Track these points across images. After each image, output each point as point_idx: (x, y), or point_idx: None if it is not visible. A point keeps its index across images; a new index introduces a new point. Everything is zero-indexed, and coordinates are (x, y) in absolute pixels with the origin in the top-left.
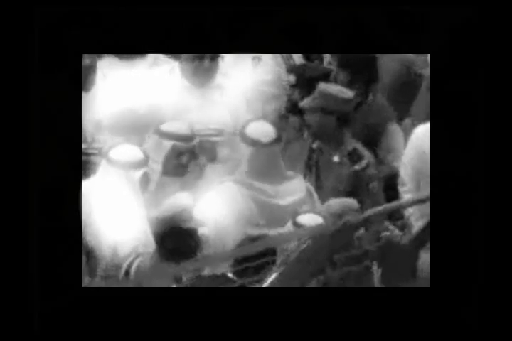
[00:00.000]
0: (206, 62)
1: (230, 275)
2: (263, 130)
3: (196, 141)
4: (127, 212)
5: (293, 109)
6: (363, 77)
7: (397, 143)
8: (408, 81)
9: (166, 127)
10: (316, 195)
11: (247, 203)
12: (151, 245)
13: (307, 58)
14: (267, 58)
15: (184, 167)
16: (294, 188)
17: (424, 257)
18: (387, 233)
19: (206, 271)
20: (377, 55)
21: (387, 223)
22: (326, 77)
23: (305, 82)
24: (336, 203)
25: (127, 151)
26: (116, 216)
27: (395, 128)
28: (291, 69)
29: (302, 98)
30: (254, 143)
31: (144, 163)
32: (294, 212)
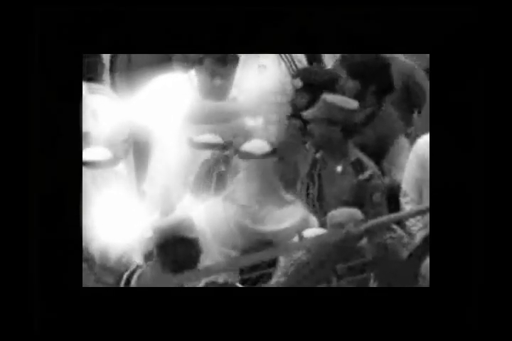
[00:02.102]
0: (218, 80)
1: (238, 284)
2: (258, 145)
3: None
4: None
5: (296, 113)
6: (374, 86)
7: (404, 157)
8: (407, 89)
9: (200, 138)
10: (312, 223)
11: (229, 225)
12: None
13: (310, 64)
14: (272, 66)
15: (224, 175)
16: (286, 215)
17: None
18: (394, 235)
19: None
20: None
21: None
22: (332, 82)
23: (311, 86)
24: (341, 213)
25: (95, 152)
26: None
27: (403, 142)
28: (298, 73)
29: (307, 104)
30: (248, 155)
31: (114, 162)
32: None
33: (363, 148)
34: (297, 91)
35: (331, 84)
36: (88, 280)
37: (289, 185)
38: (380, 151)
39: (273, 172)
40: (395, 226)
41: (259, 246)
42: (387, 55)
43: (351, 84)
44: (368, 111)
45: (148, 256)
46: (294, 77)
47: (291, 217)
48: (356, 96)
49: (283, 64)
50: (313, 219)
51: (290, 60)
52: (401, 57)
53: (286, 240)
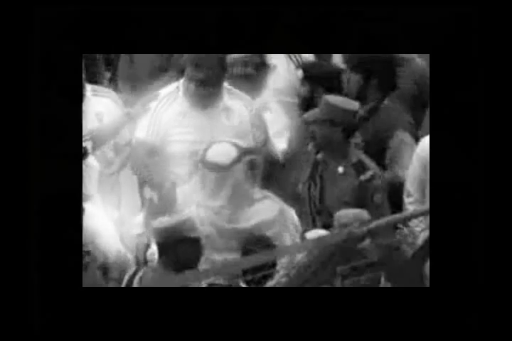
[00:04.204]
0: (210, 89)
1: (242, 285)
2: (223, 152)
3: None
4: None
5: (303, 104)
6: (377, 81)
7: (406, 151)
8: (420, 88)
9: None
10: (291, 216)
11: (207, 228)
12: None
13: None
14: (281, 66)
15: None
16: (261, 209)
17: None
18: (401, 232)
19: (217, 281)
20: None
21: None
22: (336, 75)
23: (312, 78)
24: (346, 214)
25: None
26: None
27: (404, 136)
28: (300, 64)
29: (308, 95)
30: (214, 167)
31: (84, 156)
32: (258, 235)
33: (364, 142)
34: (301, 83)
35: (332, 76)
36: (95, 276)
37: (291, 186)
38: (381, 144)
39: (243, 178)
40: (400, 225)
41: (248, 245)
42: (405, 55)
43: (354, 78)
44: (370, 105)
45: (145, 257)
46: (296, 68)
47: (267, 211)
48: (359, 91)
49: (292, 64)
50: (291, 212)
51: (299, 60)
52: (417, 58)
53: (265, 233)
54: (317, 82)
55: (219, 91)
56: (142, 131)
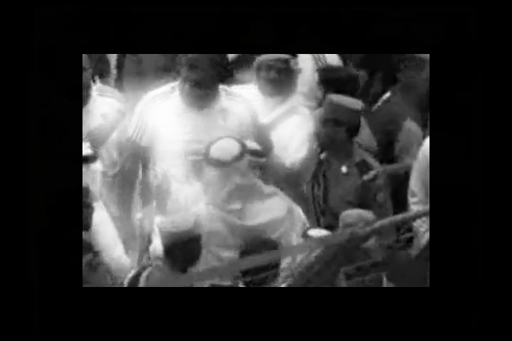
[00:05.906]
0: (206, 90)
1: (242, 285)
2: (226, 147)
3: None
4: None
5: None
6: (380, 75)
7: (414, 140)
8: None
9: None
10: (298, 214)
11: (217, 225)
12: None
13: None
14: (306, 70)
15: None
16: (271, 207)
17: None
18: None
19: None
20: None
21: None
22: (350, 81)
23: (325, 82)
24: (350, 214)
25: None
26: None
27: (412, 125)
28: (317, 69)
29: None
30: (217, 163)
31: (92, 159)
32: (264, 237)
33: (374, 135)
34: (317, 86)
35: (348, 80)
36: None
37: (295, 187)
38: (388, 137)
39: (248, 172)
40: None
41: (256, 243)
42: (424, 56)
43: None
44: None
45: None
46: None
47: (277, 210)
48: (365, 87)
49: (315, 67)
50: (298, 210)
51: (324, 62)
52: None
53: (274, 231)
54: (332, 85)
55: (215, 92)
56: (130, 130)
